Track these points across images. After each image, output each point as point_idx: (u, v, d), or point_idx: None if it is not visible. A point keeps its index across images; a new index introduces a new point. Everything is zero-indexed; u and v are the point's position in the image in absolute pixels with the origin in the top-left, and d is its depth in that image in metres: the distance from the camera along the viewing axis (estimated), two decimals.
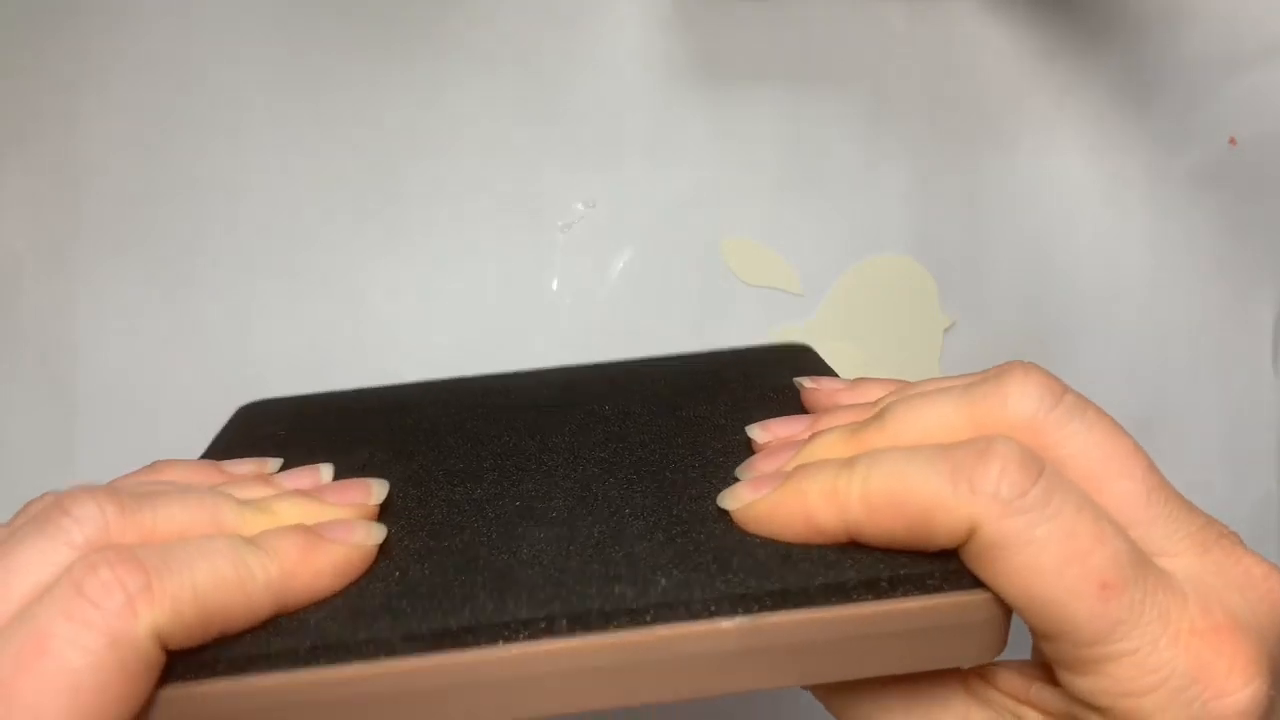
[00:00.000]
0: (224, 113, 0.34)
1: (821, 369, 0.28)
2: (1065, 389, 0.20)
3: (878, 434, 0.21)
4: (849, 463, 0.20)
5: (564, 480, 0.23)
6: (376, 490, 0.22)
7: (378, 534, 0.21)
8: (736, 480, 0.22)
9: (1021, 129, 0.38)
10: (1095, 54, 0.38)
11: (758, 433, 0.24)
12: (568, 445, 0.24)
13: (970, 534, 0.19)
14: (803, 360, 0.29)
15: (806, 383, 0.25)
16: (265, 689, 0.19)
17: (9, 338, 0.33)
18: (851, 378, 0.25)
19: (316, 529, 0.21)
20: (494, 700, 0.19)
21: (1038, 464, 0.19)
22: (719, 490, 0.22)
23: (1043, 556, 0.18)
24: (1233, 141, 0.39)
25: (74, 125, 0.33)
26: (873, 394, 0.23)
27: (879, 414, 0.22)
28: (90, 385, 0.33)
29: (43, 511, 0.19)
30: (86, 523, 0.19)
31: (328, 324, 0.34)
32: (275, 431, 0.26)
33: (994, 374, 0.21)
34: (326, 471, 0.23)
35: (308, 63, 0.34)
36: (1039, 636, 0.19)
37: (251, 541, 0.20)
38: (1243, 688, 0.19)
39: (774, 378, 0.27)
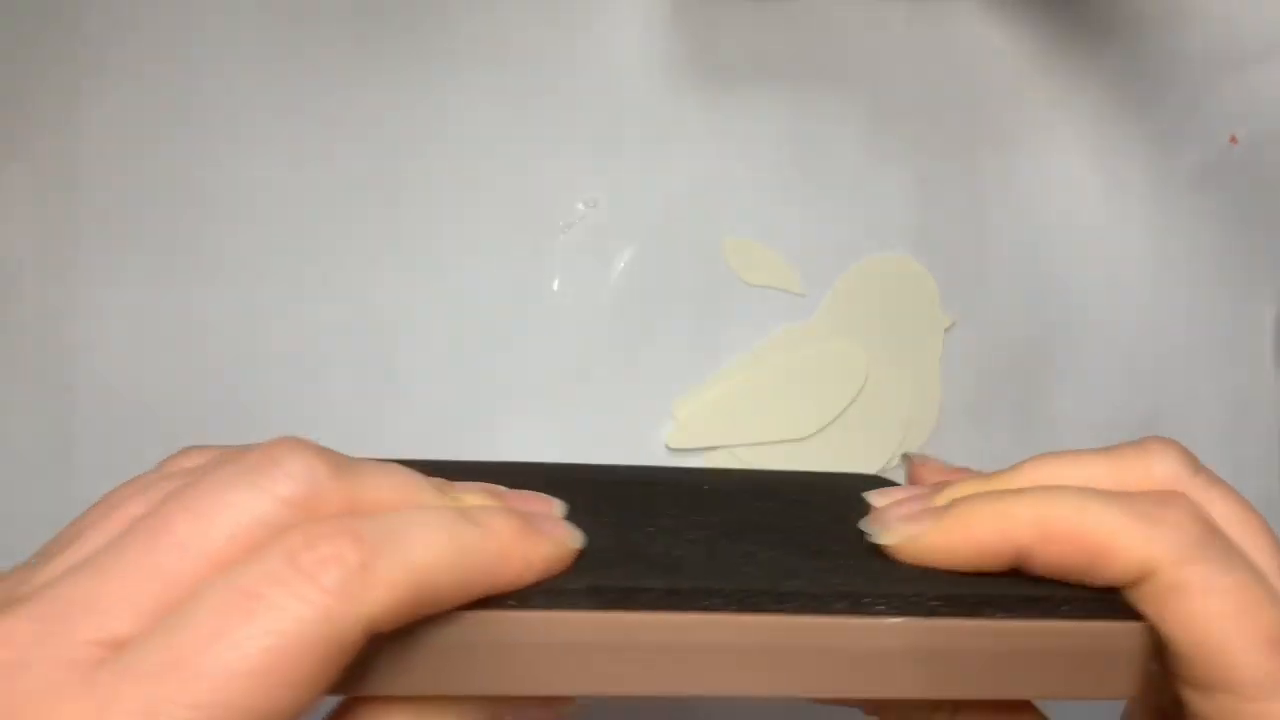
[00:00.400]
0: (224, 113, 0.34)
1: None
2: (1200, 463, 0.22)
3: (1026, 480, 0.22)
4: (1018, 491, 0.21)
5: (694, 537, 0.22)
6: (558, 504, 0.22)
7: (580, 537, 0.20)
8: (868, 536, 0.22)
9: (1021, 129, 0.38)
10: (1095, 54, 0.38)
11: (877, 498, 0.23)
12: (680, 520, 0.24)
13: (1145, 575, 0.20)
14: (875, 482, 0.29)
15: (915, 458, 0.26)
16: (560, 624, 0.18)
17: (9, 338, 0.33)
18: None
19: (527, 519, 0.19)
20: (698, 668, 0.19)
21: (1211, 519, 0.20)
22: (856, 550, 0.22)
23: (1222, 605, 0.19)
24: (1233, 141, 0.39)
25: (74, 125, 0.33)
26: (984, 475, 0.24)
27: (1016, 467, 0.22)
28: (90, 385, 0.33)
29: (247, 458, 0.18)
30: (298, 479, 0.17)
31: (328, 324, 0.34)
32: None
33: (1131, 443, 0.22)
34: (499, 488, 0.22)
35: (308, 63, 0.34)
36: (1195, 685, 0.19)
37: (467, 515, 0.18)
38: None
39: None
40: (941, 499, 0.22)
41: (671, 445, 0.36)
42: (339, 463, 0.18)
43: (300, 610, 0.16)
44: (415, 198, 0.35)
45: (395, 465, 0.19)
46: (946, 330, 0.38)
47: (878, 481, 0.29)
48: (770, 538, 0.22)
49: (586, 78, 0.36)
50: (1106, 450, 0.22)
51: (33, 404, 0.33)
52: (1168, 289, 0.40)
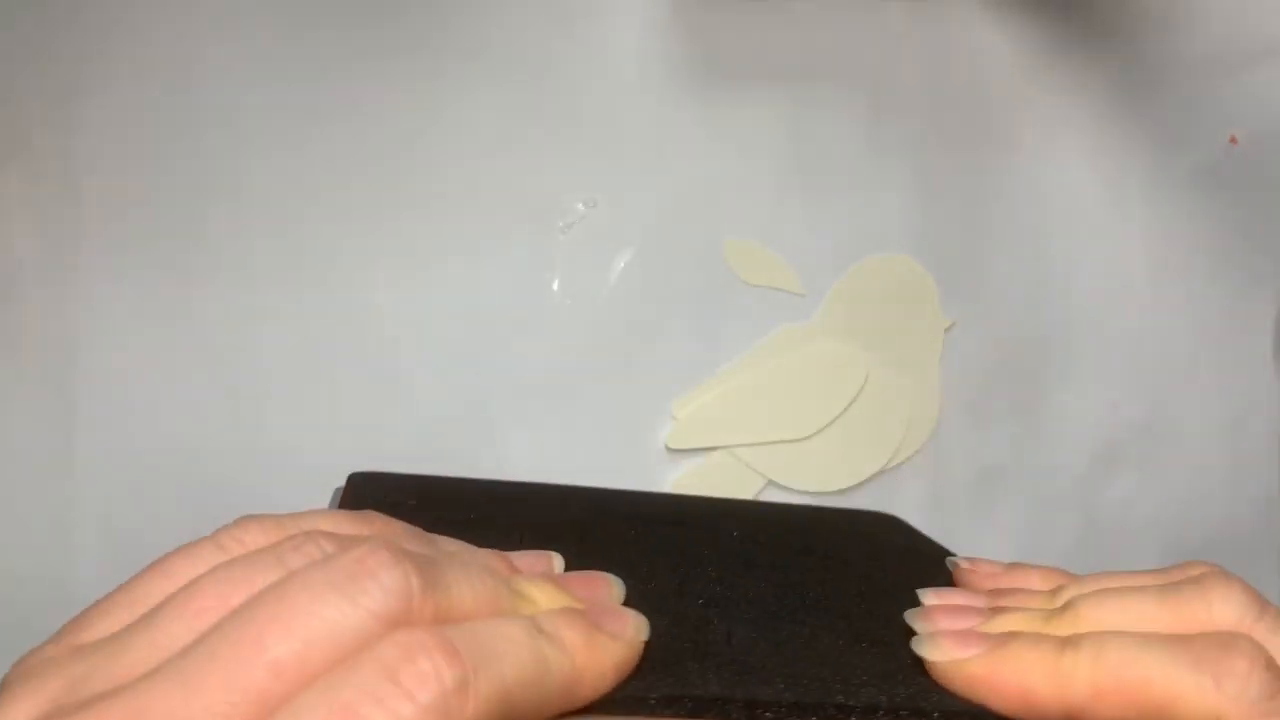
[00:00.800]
0: (224, 113, 0.34)
1: (916, 539, 0.28)
2: (1265, 601, 0.20)
3: (1081, 622, 0.20)
4: (1073, 640, 0.19)
5: (750, 615, 0.22)
6: (617, 589, 0.21)
7: (646, 629, 0.20)
8: (912, 631, 0.21)
9: (1021, 129, 0.38)
10: (1095, 54, 0.38)
11: (930, 596, 0.22)
12: (726, 585, 0.24)
13: None
14: (896, 530, 0.29)
15: (963, 563, 0.24)
16: None
17: (9, 338, 0.33)
18: (1005, 562, 0.24)
19: (592, 619, 0.19)
20: None
21: (1277, 666, 0.19)
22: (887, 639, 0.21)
23: None
24: (1233, 141, 0.39)
25: (74, 126, 0.33)
26: (1034, 581, 0.23)
27: (1070, 604, 0.21)
28: (90, 385, 0.33)
29: (336, 565, 0.17)
30: (393, 595, 0.17)
31: (328, 324, 0.34)
32: (405, 502, 0.25)
33: (1192, 576, 0.21)
34: (558, 562, 0.21)
35: (308, 63, 0.34)
36: None
37: (543, 631, 0.18)
38: None
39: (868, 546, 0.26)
40: (994, 627, 0.21)
41: (671, 445, 0.36)
42: (426, 572, 0.18)
43: None
44: (415, 198, 0.35)
45: (473, 561, 0.19)
46: (946, 330, 0.38)
47: (903, 529, 0.29)
48: (827, 618, 0.22)
49: (586, 78, 0.36)
50: (1162, 587, 0.21)
51: (33, 404, 0.33)
52: (1168, 289, 0.40)
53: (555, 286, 0.35)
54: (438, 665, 0.16)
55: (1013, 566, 0.24)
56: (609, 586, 0.21)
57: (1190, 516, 0.41)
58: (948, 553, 0.26)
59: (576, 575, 0.21)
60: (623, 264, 0.36)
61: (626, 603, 0.21)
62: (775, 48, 0.36)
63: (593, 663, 0.18)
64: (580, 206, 0.36)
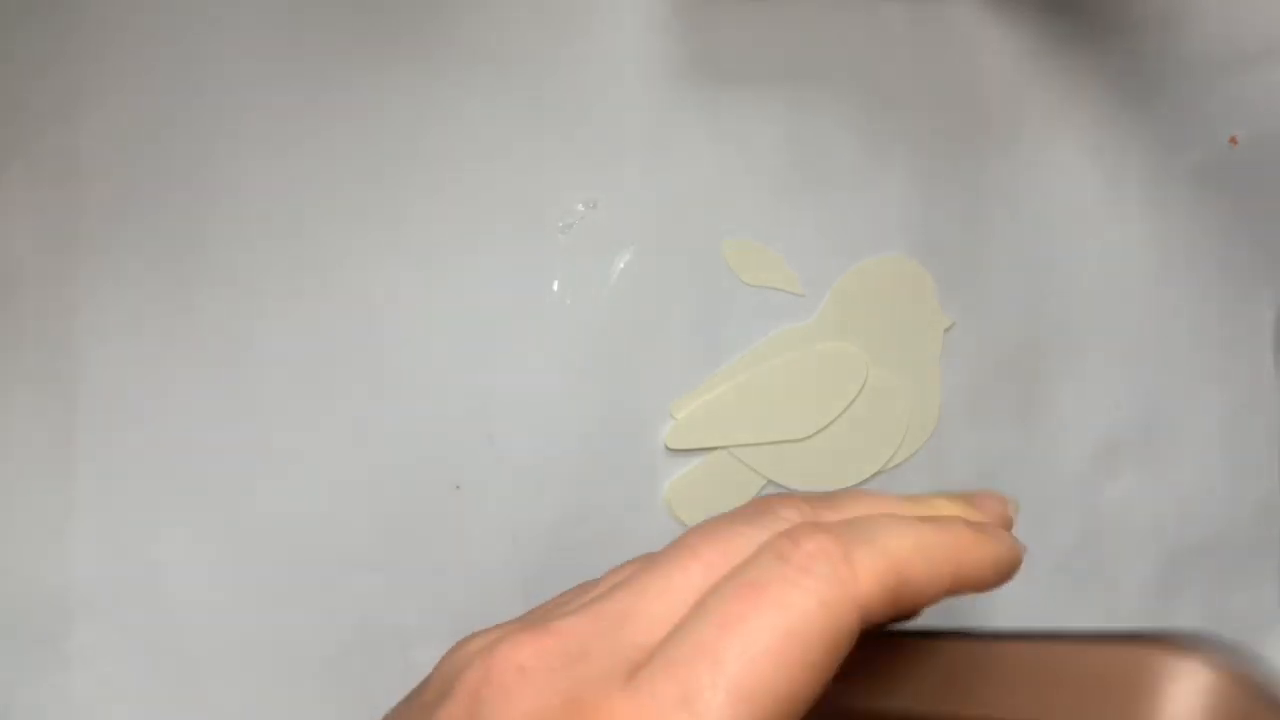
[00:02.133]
0: (224, 114, 0.34)
1: None
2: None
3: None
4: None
5: None
6: (1012, 503, 0.25)
7: (1022, 547, 0.23)
8: None
9: (1021, 129, 0.38)
10: (1095, 54, 0.38)
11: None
12: None
13: None
14: None
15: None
16: None
17: (9, 338, 0.33)
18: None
19: (982, 527, 0.22)
20: None
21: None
22: None
23: None
24: (1233, 141, 0.39)
25: (74, 126, 0.33)
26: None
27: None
28: (90, 385, 0.33)
29: (751, 512, 0.22)
30: (791, 520, 0.21)
31: (328, 324, 0.34)
32: None
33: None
34: (962, 494, 0.25)
35: (308, 63, 0.34)
36: None
37: (927, 519, 0.21)
38: None
39: None
40: None
41: (671, 445, 0.36)
42: (819, 499, 0.22)
43: (801, 598, 0.19)
44: (415, 198, 0.35)
45: (870, 491, 0.23)
46: (946, 330, 0.38)
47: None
48: None
49: (586, 78, 0.36)
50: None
51: (33, 404, 0.33)
52: (1168, 289, 0.40)
53: (555, 286, 0.35)
54: (823, 544, 0.20)
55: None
56: (1004, 502, 0.25)
57: (1190, 516, 0.41)
58: None
59: (978, 493, 0.25)
60: (623, 264, 0.36)
61: None
62: (775, 48, 0.36)
63: (973, 552, 0.21)
64: (580, 207, 0.36)
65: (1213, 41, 0.39)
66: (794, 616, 0.18)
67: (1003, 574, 0.22)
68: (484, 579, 0.35)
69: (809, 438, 0.36)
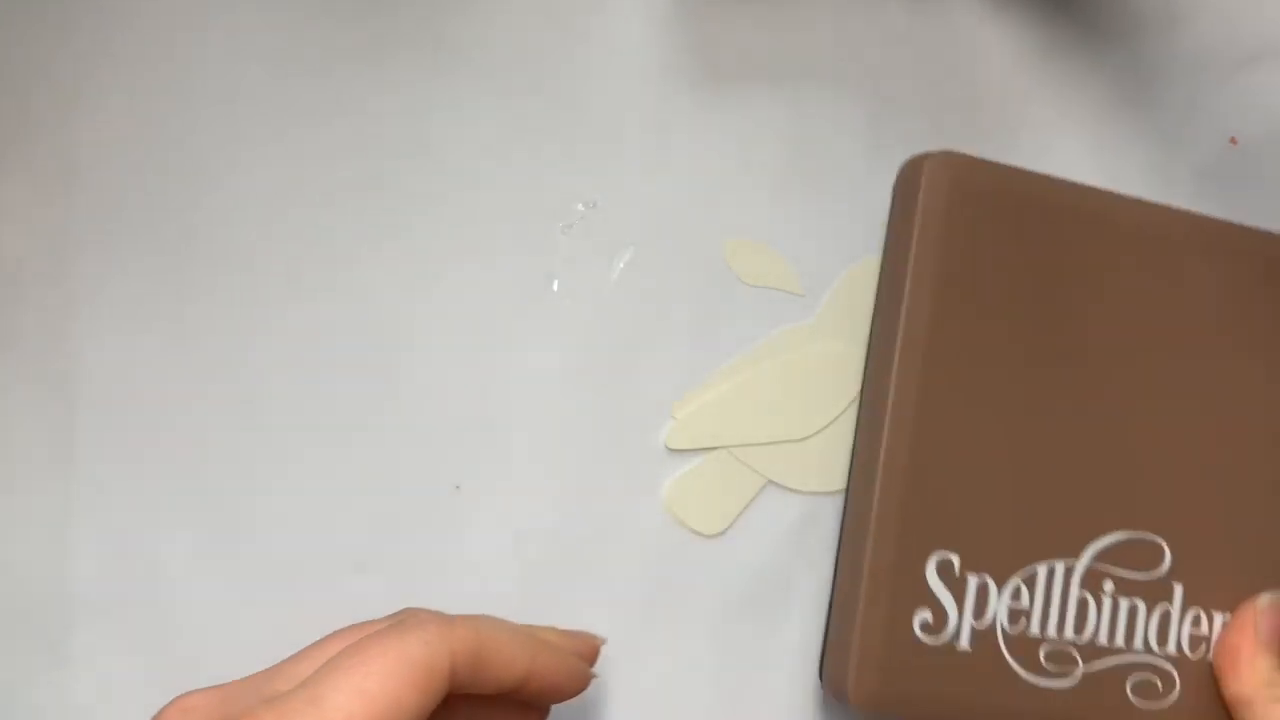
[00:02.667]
0: (224, 114, 0.34)
1: None
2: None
3: None
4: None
5: None
6: (601, 641, 0.32)
7: (592, 676, 0.30)
8: None
9: (1021, 129, 0.38)
10: (1095, 54, 0.38)
11: None
12: None
13: None
14: None
15: None
16: None
17: (9, 338, 0.33)
18: None
19: (563, 646, 0.29)
20: None
21: None
22: None
23: None
24: (1233, 141, 0.39)
25: (74, 126, 0.33)
26: None
27: None
28: (90, 385, 0.33)
29: (387, 619, 0.28)
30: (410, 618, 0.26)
31: (328, 324, 0.34)
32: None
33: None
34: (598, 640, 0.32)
35: (308, 63, 0.34)
36: None
37: (526, 631, 0.28)
38: None
39: None
40: None
41: (671, 445, 0.36)
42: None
43: (409, 635, 0.24)
44: (414, 198, 0.35)
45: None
46: None
47: None
48: None
49: (586, 78, 0.36)
50: None
51: (33, 404, 0.33)
52: None
53: (555, 286, 0.35)
54: (431, 615, 0.26)
55: None
56: (595, 641, 0.31)
57: None
58: None
59: (580, 632, 0.31)
60: (623, 264, 0.36)
61: None
62: (775, 48, 0.36)
63: (551, 657, 0.27)
64: (580, 207, 0.36)
65: (1213, 41, 0.39)
66: (404, 643, 0.24)
67: (573, 686, 0.28)
68: (484, 579, 0.35)
69: (809, 437, 0.36)
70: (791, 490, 0.36)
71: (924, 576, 0.31)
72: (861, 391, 0.34)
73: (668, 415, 0.36)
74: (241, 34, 0.34)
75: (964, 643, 0.31)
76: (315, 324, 0.34)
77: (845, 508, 0.34)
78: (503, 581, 0.35)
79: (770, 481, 0.36)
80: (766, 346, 0.36)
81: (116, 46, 0.34)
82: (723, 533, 0.36)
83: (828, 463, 0.36)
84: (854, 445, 0.34)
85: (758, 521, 0.36)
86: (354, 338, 0.34)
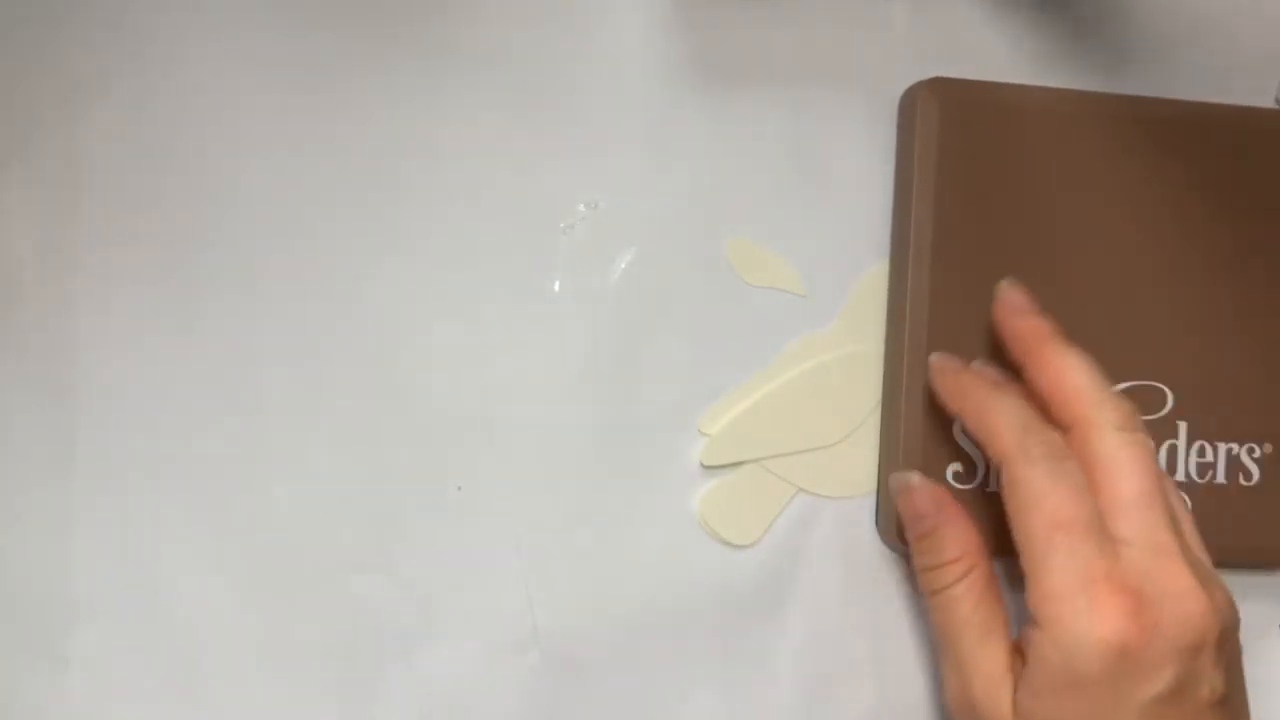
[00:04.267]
0: (224, 115, 0.34)
1: None
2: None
3: None
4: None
5: None
6: None
7: None
8: None
9: None
10: (1095, 54, 0.38)
11: None
12: None
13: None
14: None
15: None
16: None
17: (10, 339, 0.33)
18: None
19: None
20: None
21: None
22: None
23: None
24: None
25: (75, 128, 0.33)
26: None
27: None
28: (90, 386, 0.33)
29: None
30: None
31: (328, 325, 0.34)
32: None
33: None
34: None
35: (308, 64, 0.34)
36: None
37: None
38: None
39: None
40: None
41: (706, 463, 0.35)
42: None
43: None
44: (415, 199, 0.35)
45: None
46: None
47: None
48: None
49: (586, 78, 0.36)
50: None
51: (33, 404, 0.33)
52: None
53: (556, 286, 0.35)
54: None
55: None
56: None
57: None
58: None
59: None
60: (624, 264, 0.36)
61: None
62: (775, 48, 0.36)
63: None
64: (581, 208, 0.36)
65: (1213, 43, 0.39)
66: None
67: None
68: (484, 579, 0.35)
69: (838, 443, 0.36)
70: (823, 496, 0.36)
71: (952, 437, 0.35)
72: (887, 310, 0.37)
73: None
74: (244, 38, 0.34)
75: (993, 485, 0.34)
76: (316, 323, 0.34)
77: (883, 388, 0.37)
78: (503, 581, 0.35)
79: (800, 489, 0.36)
80: (787, 356, 0.36)
81: (119, 50, 0.34)
82: (756, 542, 0.36)
83: (857, 466, 0.36)
84: (885, 348, 0.37)
85: (789, 529, 0.36)
86: (355, 338, 0.34)
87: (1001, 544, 0.33)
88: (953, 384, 0.34)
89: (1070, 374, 0.32)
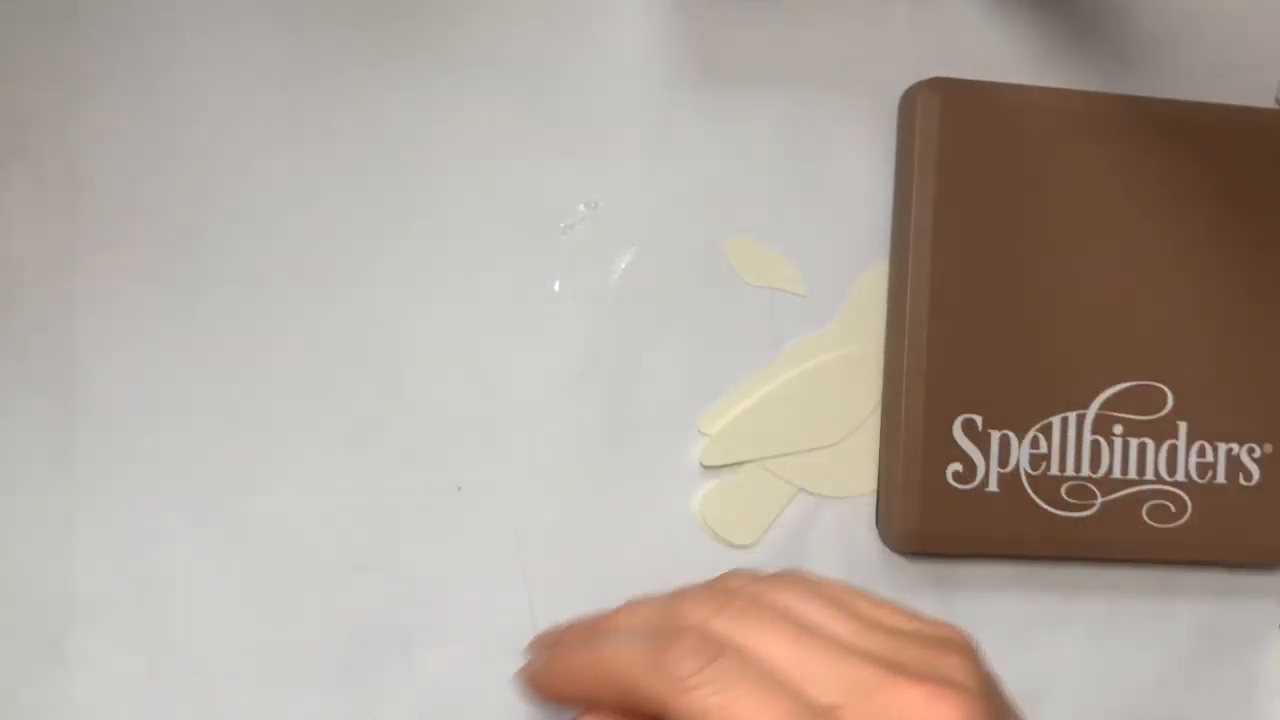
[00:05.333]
0: (224, 115, 0.34)
1: None
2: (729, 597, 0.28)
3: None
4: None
5: None
6: None
7: None
8: None
9: None
10: (1095, 55, 0.38)
11: None
12: None
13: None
14: None
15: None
16: None
17: (10, 340, 0.33)
18: None
19: None
20: None
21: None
22: None
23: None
24: None
25: (75, 129, 0.33)
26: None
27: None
28: (90, 386, 0.33)
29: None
30: None
31: (328, 325, 0.34)
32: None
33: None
34: None
35: (308, 65, 0.34)
36: None
37: None
38: None
39: None
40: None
41: (706, 462, 0.36)
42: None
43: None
44: (415, 199, 0.35)
45: None
46: None
47: None
48: None
49: (586, 78, 0.36)
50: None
51: (33, 405, 0.33)
52: None
53: (556, 286, 0.35)
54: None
55: None
56: None
57: None
58: None
59: None
60: (624, 264, 0.36)
61: None
62: (775, 48, 0.36)
63: None
64: (581, 207, 0.36)
65: (1213, 43, 0.39)
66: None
67: None
68: (485, 580, 0.35)
69: (838, 443, 0.36)
70: (823, 496, 0.36)
71: (952, 436, 0.35)
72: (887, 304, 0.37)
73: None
74: (244, 37, 0.34)
75: (992, 486, 0.35)
76: (316, 324, 0.34)
77: (883, 388, 0.37)
78: (504, 582, 0.35)
79: (801, 489, 0.36)
80: (786, 357, 0.36)
81: (119, 49, 0.34)
82: (756, 542, 0.36)
83: (857, 466, 0.36)
84: (885, 348, 0.37)
85: (789, 529, 0.36)
86: (355, 338, 0.34)
87: (1002, 544, 0.33)
88: (552, 674, 0.29)
89: (606, 652, 0.27)
